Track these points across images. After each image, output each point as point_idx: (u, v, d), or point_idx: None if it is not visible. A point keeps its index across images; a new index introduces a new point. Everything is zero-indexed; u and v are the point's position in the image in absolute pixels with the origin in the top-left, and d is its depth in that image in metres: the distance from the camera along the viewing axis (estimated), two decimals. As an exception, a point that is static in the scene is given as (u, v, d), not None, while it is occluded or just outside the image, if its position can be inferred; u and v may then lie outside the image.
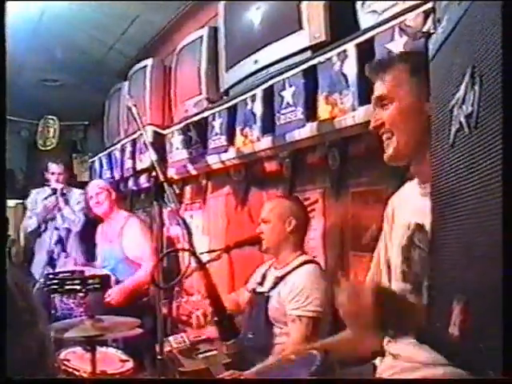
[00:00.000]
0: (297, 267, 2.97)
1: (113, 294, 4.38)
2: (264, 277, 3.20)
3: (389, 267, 1.99)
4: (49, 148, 8.32)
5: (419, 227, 1.70)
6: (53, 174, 5.76)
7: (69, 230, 5.73)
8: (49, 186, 5.75)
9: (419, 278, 1.71)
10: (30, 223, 5.81)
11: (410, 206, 1.83)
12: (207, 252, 2.19)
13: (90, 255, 5.85)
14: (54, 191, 5.64)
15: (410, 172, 1.84)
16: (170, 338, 3.08)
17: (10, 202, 8.05)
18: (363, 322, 1.46)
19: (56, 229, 5.59)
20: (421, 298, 1.71)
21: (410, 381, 1.46)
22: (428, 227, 1.57)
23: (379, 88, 1.80)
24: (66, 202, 5.73)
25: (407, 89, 1.68)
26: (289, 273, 2.98)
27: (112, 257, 4.77)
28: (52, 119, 8.29)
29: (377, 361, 2.05)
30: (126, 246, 4.71)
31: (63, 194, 5.70)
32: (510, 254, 0.84)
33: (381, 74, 1.79)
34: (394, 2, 2.47)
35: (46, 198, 5.76)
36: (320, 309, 2.78)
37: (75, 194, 5.89)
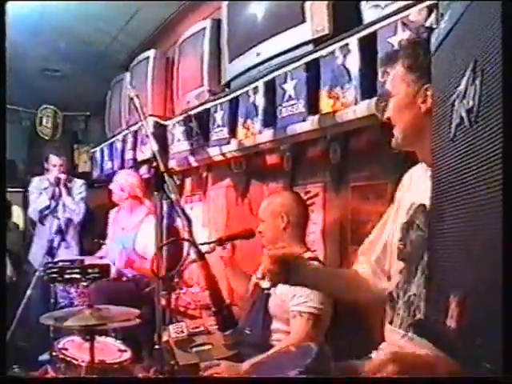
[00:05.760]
0: None
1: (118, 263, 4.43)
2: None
3: (385, 246, 2.04)
4: (47, 137, 8.31)
5: (422, 208, 1.74)
6: (54, 166, 5.76)
7: (69, 220, 5.74)
8: (50, 176, 5.75)
9: (413, 258, 1.75)
10: (41, 201, 5.80)
11: (417, 187, 1.88)
12: (200, 244, 2.19)
13: (89, 245, 5.89)
14: (57, 181, 5.64)
15: (417, 156, 1.89)
16: (170, 327, 3.09)
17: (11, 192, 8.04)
18: None
19: (57, 218, 5.59)
20: (413, 278, 1.75)
21: (410, 380, 1.46)
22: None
23: (386, 83, 1.91)
24: (68, 192, 5.73)
25: (404, 85, 1.76)
26: None
27: (121, 244, 4.79)
28: (50, 108, 8.28)
29: (373, 354, 2.06)
30: (138, 240, 4.71)
31: (65, 185, 5.71)
32: (509, 248, 0.84)
33: (386, 70, 1.88)
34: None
35: (46, 188, 5.76)
36: (321, 306, 2.79)
37: (77, 184, 5.90)
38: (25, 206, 6.49)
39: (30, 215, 6.03)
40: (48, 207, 5.69)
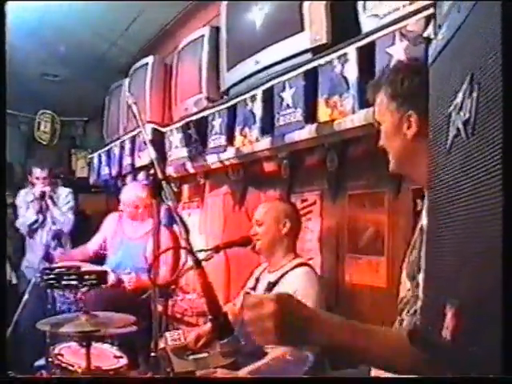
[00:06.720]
0: (290, 270, 2.98)
1: (132, 283, 4.40)
2: (257, 281, 3.20)
3: None
4: (45, 142, 8.31)
5: (420, 229, 1.76)
6: (37, 178, 5.75)
7: (60, 231, 5.73)
8: (35, 190, 5.74)
9: (411, 277, 1.76)
10: (28, 215, 5.79)
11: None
12: (197, 251, 2.19)
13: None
14: (42, 195, 5.63)
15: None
16: (167, 334, 3.08)
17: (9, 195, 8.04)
18: (261, 331, 1.42)
19: (46, 232, 5.59)
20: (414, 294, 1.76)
21: (410, 380, 1.46)
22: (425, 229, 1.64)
23: (375, 112, 1.95)
24: (54, 203, 5.72)
25: (388, 114, 1.81)
26: (282, 276, 2.98)
27: (127, 253, 4.79)
28: (48, 113, 8.29)
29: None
30: (149, 250, 4.68)
31: (51, 197, 5.69)
32: (508, 260, 0.84)
33: (373, 99, 1.92)
34: (396, 6, 2.48)
35: (32, 201, 5.76)
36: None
37: (63, 194, 5.88)
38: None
39: (19, 227, 6.00)
40: (36, 222, 5.69)
